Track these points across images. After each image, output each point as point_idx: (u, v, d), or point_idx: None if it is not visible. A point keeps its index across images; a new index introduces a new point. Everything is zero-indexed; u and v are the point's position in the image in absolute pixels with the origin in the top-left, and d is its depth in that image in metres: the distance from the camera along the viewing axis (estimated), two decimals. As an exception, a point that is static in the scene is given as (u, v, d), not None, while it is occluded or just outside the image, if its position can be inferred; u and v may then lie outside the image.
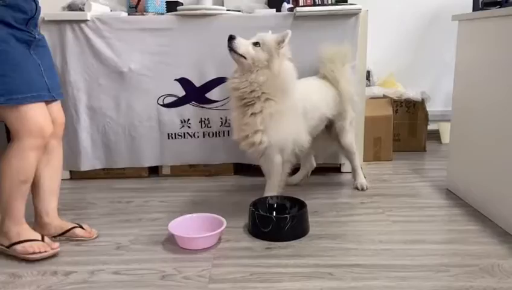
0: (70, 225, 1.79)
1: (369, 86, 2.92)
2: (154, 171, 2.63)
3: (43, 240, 1.66)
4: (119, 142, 2.51)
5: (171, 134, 2.53)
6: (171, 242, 1.74)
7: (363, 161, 2.60)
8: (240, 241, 1.74)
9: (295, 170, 2.27)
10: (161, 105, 2.48)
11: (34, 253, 1.61)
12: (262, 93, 1.87)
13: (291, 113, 1.92)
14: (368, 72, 2.93)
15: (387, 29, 3.15)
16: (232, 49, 1.86)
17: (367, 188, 2.29)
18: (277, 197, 1.96)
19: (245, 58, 1.86)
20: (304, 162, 2.40)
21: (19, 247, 1.61)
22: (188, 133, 2.53)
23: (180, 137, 2.53)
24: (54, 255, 1.64)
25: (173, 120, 2.50)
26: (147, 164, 2.57)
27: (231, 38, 1.87)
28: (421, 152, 3.00)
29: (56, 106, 1.74)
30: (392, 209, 2.02)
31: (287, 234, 1.73)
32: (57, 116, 1.73)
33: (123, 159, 2.54)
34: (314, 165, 2.44)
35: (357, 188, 2.30)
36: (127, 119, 2.48)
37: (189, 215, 1.84)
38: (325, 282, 1.44)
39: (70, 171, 2.58)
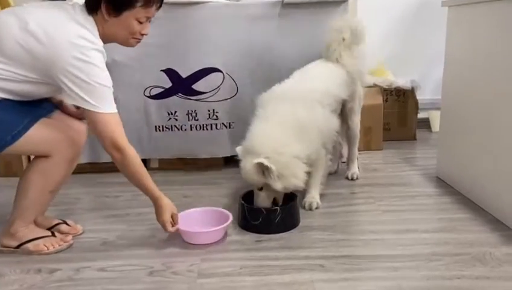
0: (55, 221, 1.75)
1: (358, 75, 2.89)
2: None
3: (53, 235, 1.64)
4: (105, 135, 2.45)
5: (159, 126, 2.48)
6: (159, 237, 1.71)
7: (354, 150, 2.58)
8: (229, 234, 1.71)
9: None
10: (148, 96, 2.43)
11: (48, 249, 1.59)
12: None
13: (309, 120, 1.81)
14: (358, 61, 2.89)
15: (377, 17, 3.09)
16: None
17: (357, 178, 2.26)
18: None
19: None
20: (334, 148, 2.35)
21: (30, 246, 1.59)
22: (175, 125, 2.48)
23: (167, 129, 2.49)
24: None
25: (161, 112, 2.45)
26: (135, 157, 2.52)
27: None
28: (411, 141, 2.99)
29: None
30: (383, 199, 2.01)
31: (277, 226, 1.71)
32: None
33: (110, 152, 2.48)
34: (342, 144, 2.39)
35: (347, 178, 2.27)
36: (113, 112, 2.42)
37: (194, 209, 1.80)
38: (316, 274, 1.42)
39: (56, 166, 2.52)
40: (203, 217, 1.76)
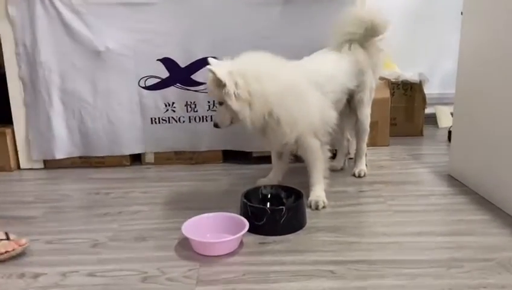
0: None
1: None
2: (136, 159, 2.44)
3: (8, 238, 1.47)
4: (97, 128, 2.31)
5: (155, 118, 2.34)
6: (154, 238, 1.57)
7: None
8: (230, 235, 1.58)
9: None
10: (143, 87, 2.29)
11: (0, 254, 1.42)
12: (262, 114, 1.67)
13: (302, 96, 1.73)
14: (363, 53, 2.76)
15: (384, 6, 2.96)
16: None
17: (364, 175, 2.14)
18: (271, 186, 1.79)
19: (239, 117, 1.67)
20: (338, 143, 2.23)
21: None
22: (172, 117, 2.34)
23: (164, 122, 2.34)
24: (22, 253, 1.46)
25: (156, 104, 2.31)
26: (128, 152, 2.38)
27: (217, 126, 1.73)
28: (418, 137, 2.86)
29: None
30: (394, 198, 1.88)
31: (282, 227, 1.57)
32: None
33: (102, 146, 2.34)
34: (350, 139, 2.26)
35: (353, 175, 2.14)
36: (105, 103, 2.28)
37: (206, 215, 1.60)
38: (326, 281, 1.29)
39: (44, 161, 2.38)
40: (215, 224, 1.58)
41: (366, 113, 2.10)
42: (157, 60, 2.24)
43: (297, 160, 1.96)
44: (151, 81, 2.27)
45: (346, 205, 1.84)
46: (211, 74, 1.61)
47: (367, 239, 1.54)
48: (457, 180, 2.06)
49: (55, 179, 2.26)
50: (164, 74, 2.27)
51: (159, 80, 2.28)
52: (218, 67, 1.61)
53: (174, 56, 2.24)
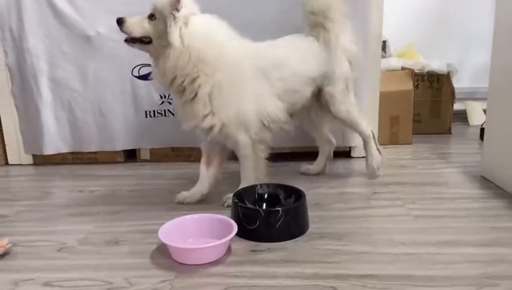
0: None
1: (384, 57, 2.50)
2: (131, 156, 2.25)
3: None
4: (87, 121, 2.13)
5: (149, 111, 2.14)
6: (130, 242, 1.36)
7: (378, 144, 2.18)
8: (218, 241, 1.35)
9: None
10: (136, 77, 2.09)
11: None
12: (185, 75, 1.45)
13: (238, 79, 1.51)
14: (384, 43, 2.51)
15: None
16: (127, 39, 1.50)
17: (378, 168, 1.83)
18: (267, 185, 1.55)
19: (146, 42, 1.48)
20: (321, 143, 1.94)
21: None
22: (169, 110, 2.13)
23: (160, 115, 2.14)
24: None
25: (151, 95, 2.11)
26: (122, 147, 2.19)
27: (120, 22, 1.48)
28: (445, 135, 2.57)
29: None
30: (415, 201, 1.61)
31: (278, 232, 1.33)
32: None
33: (93, 141, 2.16)
34: (334, 142, 1.96)
35: (371, 173, 1.84)
36: (97, 94, 2.10)
37: (189, 216, 1.38)
38: (327, 300, 1.04)
39: (33, 156, 2.21)
40: (200, 227, 1.35)
41: (345, 109, 1.77)
42: (152, 46, 2.04)
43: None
44: (145, 70, 2.07)
45: (357, 208, 1.59)
46: None
47: (379, 249, 1.28)
48: (491, 181, 1.77)
49: (42, 175, 2.09)
50: (159, 61, 2.07)
51: (154, 68, 2.08)
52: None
53: (170, 42, 2.04)
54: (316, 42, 1.69)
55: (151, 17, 1.46)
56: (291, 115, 1.67)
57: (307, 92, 1.70)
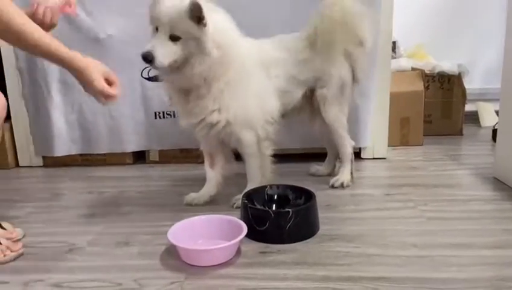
0: None
1: (394, 58, 2.48)
2: (140, 157, 2.25)
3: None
4: (97, 122, 2.14)
5: (159, 113, 2.14)
6: (139, 243, 1.36)
7: (387, 145, 2.16)
8: (228, 243, 1.34)
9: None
10: (146, 78, 2.10)
11: None
12: (205, 78, 1.43)
13: (245, 76, 1.49)
14: (394, 43, 2.48)
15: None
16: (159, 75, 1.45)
17: (344, 187, 1.77)
18: (277, 186, 1.54)
19: (176, 65, 1.39)
20: (326, 144, 1.92)
21: None
22: (178, 112, 2.13)
23: (169, 116, 2.14)
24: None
25: (161, 97, 2.11)
26: (131, 149, 2.19)
27: (149, 59, 1.36)
28: (456, 136, 2.53)
29: None
30: (427, 203, 1.59)
31: (288, 233, 1.32)
32: None
33: (103, 143, 2.17)
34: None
35: (332, 186, 1.77)
36: (106, 96, 2.10)
37: (198, 217, 1.37)
38: (338, 303, 1.03)
39: (43, 157, 2.22)
40: (209, 229, 1.34)
41: (334, 114, 1.72)
42: (161, 48, 2.04)
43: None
44: (154, 72, 2.07)
45: (369, 209, 1.57)
46: (189, 3, 1.31)
47: (391, 251, 1.26)
48: (505, 183, 1.74)
49: (52, 177, 2.10)
50: (169, 63, 2.07)
51: (164, 70, 2.08)
52: (207, 10, 1.34)
53: (180, 43, 2.04)
54: (311, 42, 1.65)
55: (174, 38, 1.36)
56: (283, 116, 1.65)
57: (299, 94, 1.68)
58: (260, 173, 1.58)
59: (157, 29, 1.39)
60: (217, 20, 1.40)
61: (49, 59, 1.19)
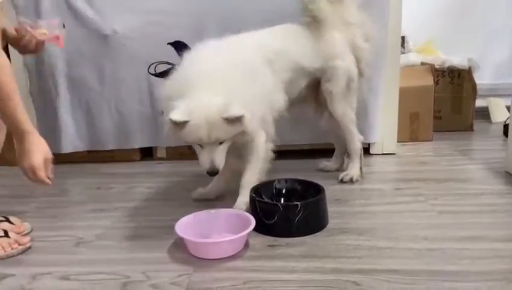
0: None
1: (403, 53, 2.45)
2: (148, 154, 2.25)
3: (6, 235, 1.29)
4: (105, 119, 2.13)
5: (166, 109, 2.13)
6: (148, 237, 1.35)
7: (396, 141, 2.13)
8: (236, 236, 1.33)
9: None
10: (153, 74, 2.09)
11: None
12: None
13: (254, 73, 1.44)
14: (403, 38, 2.45)
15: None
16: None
17: (353, 182, 1.75)
18: (285, 180, 1.52)
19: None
20: (336, 139, 1.89)
21: None
22: (185, 108, 2.12)
23: (176, 113, 2.13)
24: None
25: (168, 93, 2.11)
26: (138, 145, 2.19)
27: (214, 173, 1.35)
28: (467, 132, 2.50)
29: None
30: (438, 197, 1.57)
31: (297, 227, 1.31)
32: None
33: (110, 139, 2.16)
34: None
35: (341, 180, 1.75)
36: (113, 92, 2.09)
37: (205, 211, 1.37)
38: (348, 295, 1.01)
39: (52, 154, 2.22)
40: (217, 222, 1.34)
41: (342, 110, 1.70)
42: (168, 43, 2.04)
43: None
44: (161, 68, 2.07)
45: (378, 204, 1.55)
46: (228, 116, 1.27)
47: (402, 244, 1.24)
48: (517, 177, 1.72)
49: (60, 173, 2.01)
50: (175, 59, 2.06)
51: (170, 66, 2.06)
52: (233, 107, 1.27)
53: (187, 39, 2.02)
54: (312, 31, 1.64)
55: (219, 143, 1.33)
56: (288, 108, 1.61)
57: (303, 84, 1.66)
58: (257, 177, 1.50)
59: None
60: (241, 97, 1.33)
61: (10, 123, 1.22)
